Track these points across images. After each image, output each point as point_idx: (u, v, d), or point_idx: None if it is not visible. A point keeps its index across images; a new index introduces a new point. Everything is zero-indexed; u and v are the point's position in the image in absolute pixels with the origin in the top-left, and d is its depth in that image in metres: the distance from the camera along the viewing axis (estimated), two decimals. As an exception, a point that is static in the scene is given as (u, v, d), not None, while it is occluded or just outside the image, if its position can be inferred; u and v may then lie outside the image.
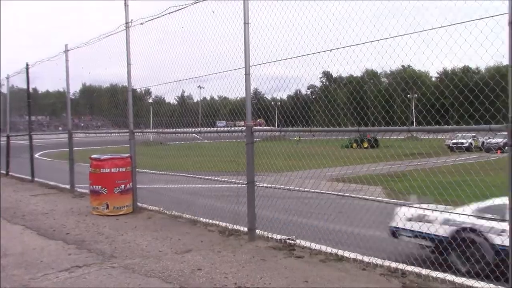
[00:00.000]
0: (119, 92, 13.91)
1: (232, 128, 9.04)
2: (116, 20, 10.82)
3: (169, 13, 8.90)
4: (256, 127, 7.73)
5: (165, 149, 13.75)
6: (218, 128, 11.49)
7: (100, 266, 6.15)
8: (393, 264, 5.74)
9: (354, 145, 26.38)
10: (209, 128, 11.42)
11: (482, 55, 4.68)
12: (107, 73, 13.25)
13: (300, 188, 7.27)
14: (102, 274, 5.78)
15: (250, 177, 7.32)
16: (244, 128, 7.46)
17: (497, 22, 4.39)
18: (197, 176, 10.29)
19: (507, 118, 4.20)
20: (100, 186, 9.91)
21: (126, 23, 10.19)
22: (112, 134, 13.74)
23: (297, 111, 7.95)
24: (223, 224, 8.36)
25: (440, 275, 5.31)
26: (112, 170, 9.92)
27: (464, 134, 34.68)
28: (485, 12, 4.47)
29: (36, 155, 22.04)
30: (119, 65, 10.99)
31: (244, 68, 7.37)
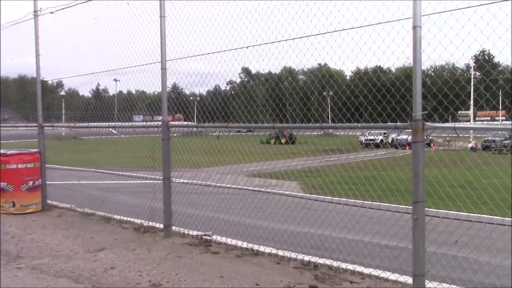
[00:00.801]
0: (28, 84, 13.16)
1: (148, 123, 8.86)
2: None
3: (81, 3, 8.53)
4: (173, 123, 7.61)
5: (79, 143, 13.22)
6: (133, 123, 11.20)
7: (5, 267, 5.78)
8: (306, 257, 5.88)
9: (272, 141, 26.81)
10: (124, 123, 11.11)
11: (389, 56, 4.92)
12: (15, 63, 12.52)
13: (218, 184, 7.26)
14: (7, 276, 5.44)
15: (166, 173, 7.20)
16: (160, 123, 7.31)
17: (402, 26, 4.62)
18: (112, 172, 9.98)
19: (411, 117, 4.42)
20: (5, 183, 9.32)
21: (35, 11, 9.65)
22: (20, 128, 12.96)
23: (213, 107, 7.94)
24: (138, 221, 8.16)
25: (350, 266, 5.51)
26: (19, 166, 9.39)
27: (373, 131, 36.47)
28: (392, 16, 4.68)
29: None
30: (29, 55, 10.41)
31: (160, 63, 7.23)
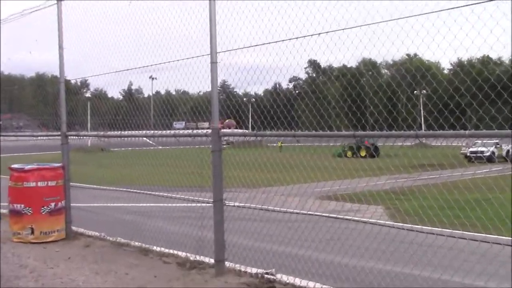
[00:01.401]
0: (47, 84, 13.72)
1: (194, 131, 9.06)
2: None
3: (112, -16, 8.89)
4: (225, 130, 7.76)
5: (108, 156, 13.70)
6: (176, 131, 11.46)
7: (24, 308, 6.09)
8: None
9: (349, 153, 26.64)
10: (164, 131, 11.38)
11: (506, 43, 4.82)
12: (32, 59, 13.05)
13: (282, 208, 7.32)
14: (25, 320, 5.73)
15: (217, 194, 7.32)
16: (209, 131, 7.47)
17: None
18: (149, 192, 10.25)
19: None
20: (22, 205, 9.65)
21: (58, -5, 10.12)
22: (39, 138, 13.56)
23: (277, 110, 8.00)
24: (182, 254, 8.34)
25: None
26: (39, 184, 9.70)
27: (484, 141, 35.22)
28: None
29: None
30: (48, 49, 10.87)
31: (209, 55, 7.38)
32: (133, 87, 15.94)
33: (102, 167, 12.94)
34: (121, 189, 10.89)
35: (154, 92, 14.01)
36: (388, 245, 6.91)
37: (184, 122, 16.89)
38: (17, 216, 9.75)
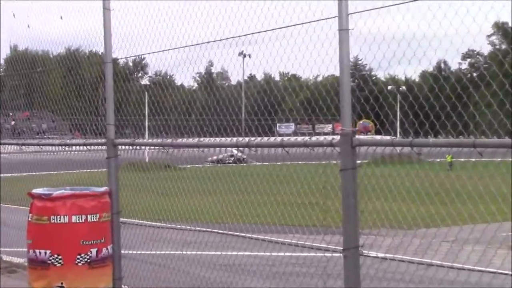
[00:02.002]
0: (85, 65, 14.08)
1: (313, 139, 8.97)
2: None
3: None
4: (361, 137, 7.68)
5: (177, 177, 13.86)
6: (283, 139, 11.40)
7: None
8: None
9: None
10: (263, 138, 11.34)
11: None
12: (62, 27, 13.34)
13: (454, 264, 7.16)
14: None
15: (350, 239, 7.21)
16: (336, 138, 7.41)
17: None
18: (240, 234, 10.28)
19: None
20: (48, 252, 9.73)
21: None
22: (74, 147, 13.90)
23: (445, 104, 7.85)
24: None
25: None
26: (74, 219, 9.76)
27: None
28: None
29: None
30: (86, 13, 11.16)
31: (336, 18, 7.30)
32: (214, 70, 16.19)
33: (167, 193, 13.10)
34: (197, 228, 11.01)
35: (246, 77, 14.11)
36: None
37: (293, 124, 17.02)
38: (41, 268, 9.83)
